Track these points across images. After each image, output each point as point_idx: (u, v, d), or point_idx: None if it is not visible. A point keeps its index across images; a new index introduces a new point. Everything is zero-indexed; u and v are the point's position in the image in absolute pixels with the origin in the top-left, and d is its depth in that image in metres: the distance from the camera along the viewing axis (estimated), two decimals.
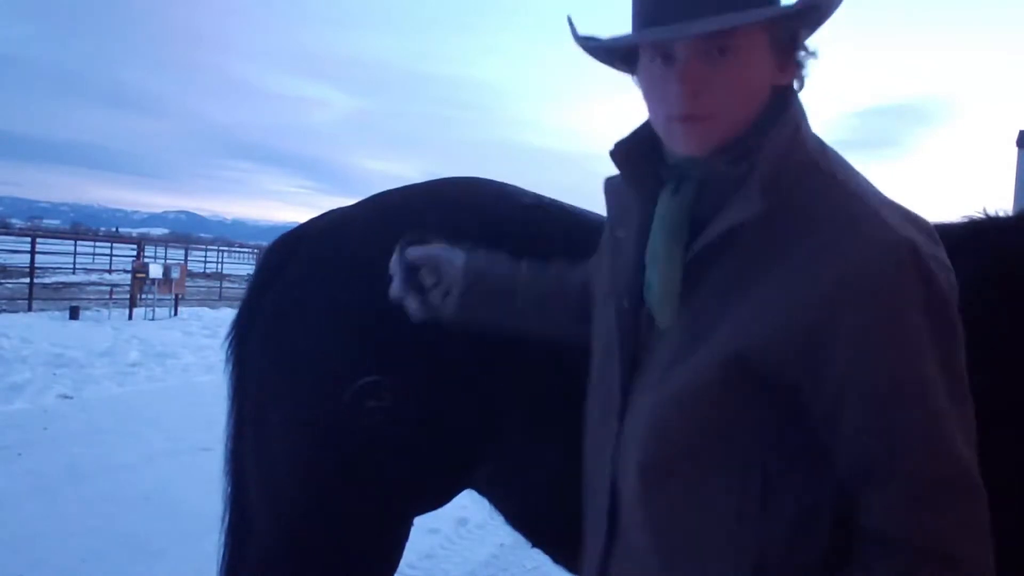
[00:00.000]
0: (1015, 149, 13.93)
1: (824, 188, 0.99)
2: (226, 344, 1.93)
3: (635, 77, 1.08)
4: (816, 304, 0.92)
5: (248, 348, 1.87)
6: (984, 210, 1.67)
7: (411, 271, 1.41)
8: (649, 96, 1.04)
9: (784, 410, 0.97)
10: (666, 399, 1.01)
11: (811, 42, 1.04)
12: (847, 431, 0.94)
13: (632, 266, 1.12)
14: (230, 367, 1.91)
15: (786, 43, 1.02)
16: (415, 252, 1.41)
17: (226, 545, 1.97)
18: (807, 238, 0.94)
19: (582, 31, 1.08)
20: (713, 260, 1.01)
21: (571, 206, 1.94)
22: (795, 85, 1.05)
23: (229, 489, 1.95)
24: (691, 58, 0.97)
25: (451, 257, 1.40)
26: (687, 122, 0.98)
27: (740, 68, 0.97)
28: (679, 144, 1.02)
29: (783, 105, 1.03)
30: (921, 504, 0.91)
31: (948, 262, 0.98)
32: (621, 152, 1.12)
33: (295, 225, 2.02)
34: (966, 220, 1.68)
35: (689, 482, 1.01)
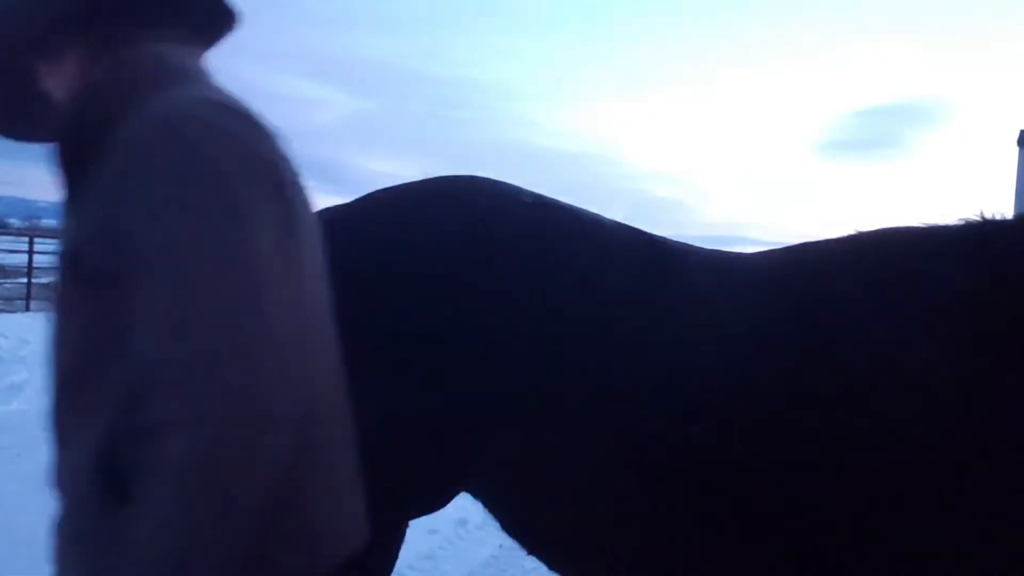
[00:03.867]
0: (1016, 148, 13.93)
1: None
2: None
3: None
4: (110, 184, 0.93)
5: None
6: (981, 213, 1.66)
7: None
8: None
9: (113, 307, 0.92)
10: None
11: None
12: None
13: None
14: None
15: None
16: None
17: None
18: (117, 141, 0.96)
19: None
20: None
21: (571, 205, 1.92)
22: None
23: None
24: None
25: None
26: None
27: None
28: None
29: None
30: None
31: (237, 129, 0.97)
32: None
33: None
34: (962, 223, 1.68)
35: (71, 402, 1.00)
